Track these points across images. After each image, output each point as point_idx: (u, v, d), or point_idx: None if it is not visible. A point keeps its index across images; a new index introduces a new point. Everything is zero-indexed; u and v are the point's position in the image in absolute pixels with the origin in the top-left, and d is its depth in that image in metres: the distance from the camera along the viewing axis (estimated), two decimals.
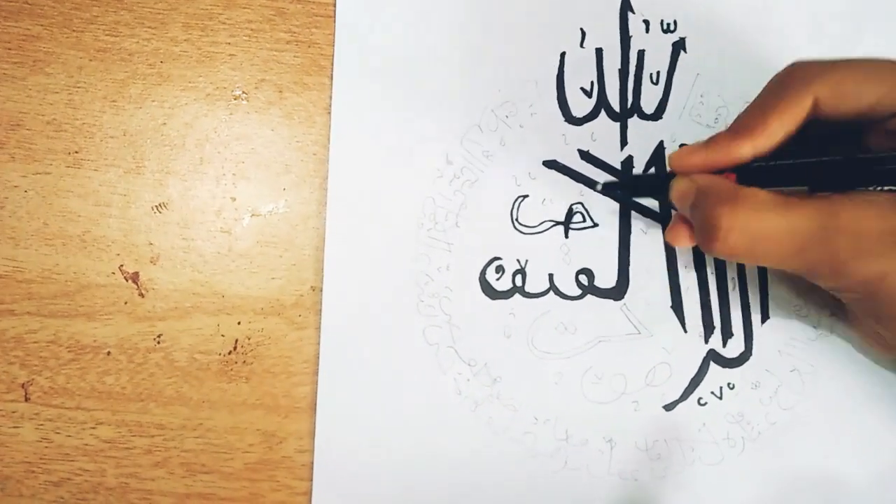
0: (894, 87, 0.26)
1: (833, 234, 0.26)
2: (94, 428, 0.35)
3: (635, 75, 0.36)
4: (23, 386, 0.36)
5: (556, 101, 0.36)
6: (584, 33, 0.36)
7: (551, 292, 0.35)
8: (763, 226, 0.26)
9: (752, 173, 0.28)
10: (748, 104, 0.29)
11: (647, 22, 0.37)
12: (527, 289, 0.35)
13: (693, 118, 0.36)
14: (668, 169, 0.32)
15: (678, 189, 0.30)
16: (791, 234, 0.26)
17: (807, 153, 0.28)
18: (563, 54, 0.36)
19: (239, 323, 0.36)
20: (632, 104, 0.36)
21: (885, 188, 0.26)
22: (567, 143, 0.36)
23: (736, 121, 0.29)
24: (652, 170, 0.35)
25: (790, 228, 0.26)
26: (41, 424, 0.35)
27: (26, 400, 0.36)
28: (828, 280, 0.27)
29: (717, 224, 0.27)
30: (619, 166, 0.36)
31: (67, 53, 0.37)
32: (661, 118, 0.36)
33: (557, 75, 0.36)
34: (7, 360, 0.36)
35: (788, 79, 0.28)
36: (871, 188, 0.26)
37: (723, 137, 0.29)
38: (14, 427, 0.35)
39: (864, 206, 0.26)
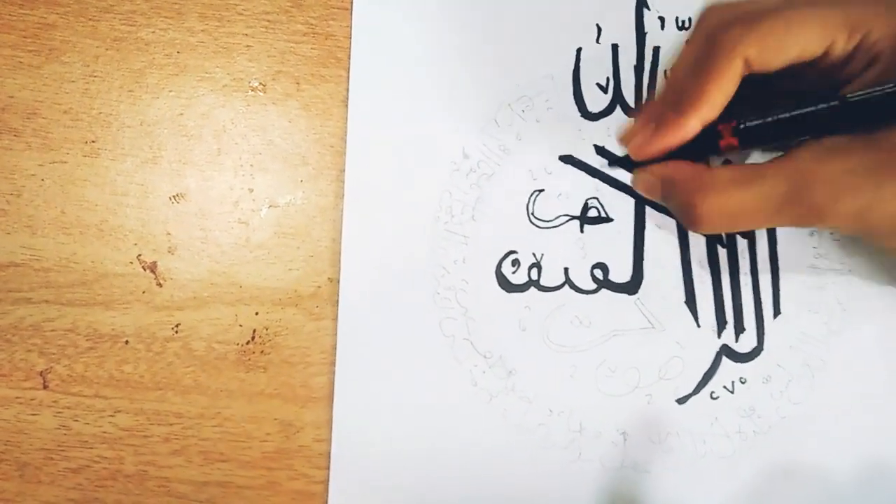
0: (814, 34, 0.27)
1: (804, 189, 0.27)
2: (112, 416, 0.36)
3: (651, 72, 0.37)
4: (41, 374, 0.36)
5: (572, 97, 0.36)
6: (599, 29, 0.37)
7: (566, 286, 0.36)
8: (736, 202, 0.28)
9: (748, 133, 0.29)
10: (674, 65, 0.31)
11: (662, 19, 0.37)
12: (542, 282, 0.36)
13: None
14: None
15: (643, 182, 0.32)
16: (764, 201, 0.28)
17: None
18: (579, 50, 0.37)
19: (257, 313, 0.36)
20: (647, 100, 0.36)
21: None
22: (583, 139, 0.36)
23: (671, 91, 0.30)
24: None
25: (762, 197, 0.28)
26: (60, 412, 0.36)
27: (45, 388, 0.36)
28: (818, 225, 0.28)
29: (695, 212, 0.29)
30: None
31: (83, 42, 0.37)
32: None
33: (573, 71, 0.37)
34: (25, 347, 0.36)
35: (715, 42, 0.28)
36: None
37: (669, 117, 0.30)
38: (33, 414, 0.36)
39: (825, 153, 0.27)
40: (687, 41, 0.31)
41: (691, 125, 0.29)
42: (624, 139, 0.33)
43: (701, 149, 0.31)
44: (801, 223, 0.28)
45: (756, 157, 0.34)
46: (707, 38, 0.29)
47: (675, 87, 0.31)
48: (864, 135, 0.27)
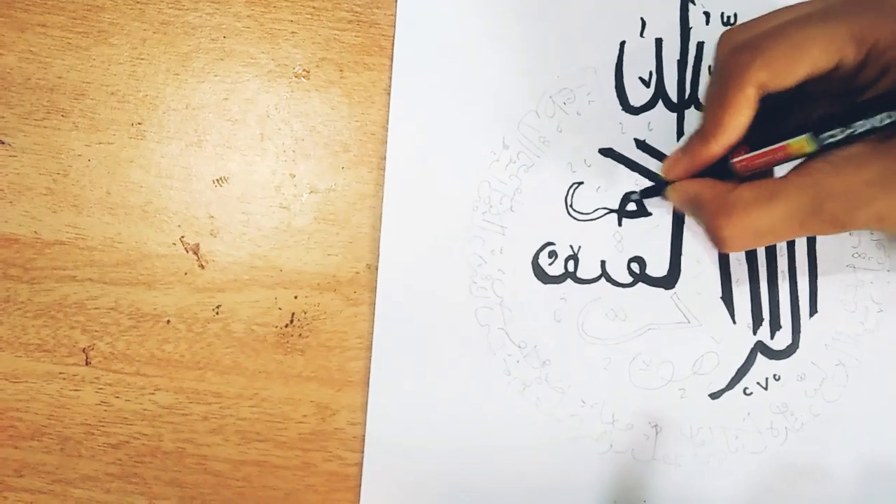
0: (821, 51, 0.27)
1: (823, 202, 0.27)
2: (152, 394, 0.36)
3: (694, 66, 0.37)
4: (84, 351, 0.37)
5: (614, 90, 0.37)
6: (644, 23, 0.37)
7: (603, 279, 0.36)
8: (760, 221, 0.29)
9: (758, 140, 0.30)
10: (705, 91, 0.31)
11: (707, 14, 0.37)
12: (579, 274, 0.36)
13: None
14: None
15: (672, 198, 0.34)
16: (786, 218, 0.28)
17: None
18: (622, 43, 0.37)
19: (296, 297, 0.36)
20: (689, 95, 0.36)
21: (867, 127, 0.27)
22: (624, 132, 0.36)
23: (702, 119, 0.31)
24: None
25: (784, 214, 0.28)
26: (101, 388, 0.37)
27: (87, 364, 0.37)
28: (839, 232, 0.29)
29: (721, 234, 0.30)
30: None
31: (131, 25, 0.38)
32: None
33: (616, 64, 0.37)
34: (69, 324, 0.37)
35: (726, 71, 0.29)
36: (845, 132, 0.27)
37: (695, 142, 0.31)
38: (75, 390, 0.37)
39: (843, 163, 0.27)
40: (710, 67, 0.32)
41: (714, 151, 0.30)
42: (662, 166, 0.35)
43: (724, 173, 0.31)
44: (823, 233, 0.29)
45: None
46: (721, 67, 0.29)
47: (704, 112, 0.32)
48: (879, 143, 0.27)
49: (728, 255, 0.36)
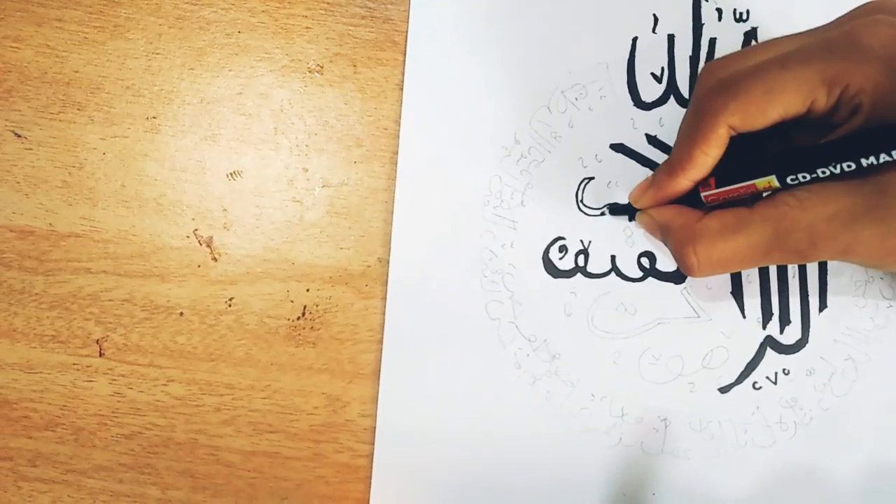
0: (793, 96, 0.27)
1: (787, 234, 0.28)
2: (165, 385, 0.37)
3: (706, 62, 0.37)
4: (97, 342, 0.37)
5: (625, 86, 0.37)
6: (656, 19, 0.37)
7: (613, 273, 0.36)
8: (723, 251, 0.30)
9: (727, 175, 0.31)
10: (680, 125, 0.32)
11: (719, 10, 0.37)
12: (589, 269, 0.36)
13: None
14: None
15: (641, 224, 0.35)
16: (751, 248, 0.29)
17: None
18: (634, 39, 0.37)
19: (308, 290, 0.37)
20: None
21: (829, 172, 0.27)
22: (635, 128, 0.37)
23: (672, 152, 0.32)
24: None
25: (748, 245, 0.29)
26: (114, 379, 0.37)
27: (101, 355, 0.37)
28: (802, 262, 0.30)
29: (687, 262, 0.31)
30: None
31: (147, 20, 0.38)
32: None
33: (628, 60, 0.37)
34: (83, 316, 0.37)
35: (702, 109, 0.30)
36: (809, 176, 0.28)
37: (662, 175, 0.32)
38: (88, 381, 0.37)
39: (808, 198, 0.28)
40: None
41: (681, 185, 0.31)
42: (630, 195, 0.35)
43: (694, 199, 0.32)
44: (787, 262, 0.30)
45: None
46: (697, 103, 0.30)
47: (675, 145, 0.32)
48: (844, 181, 0.27)
49: None
